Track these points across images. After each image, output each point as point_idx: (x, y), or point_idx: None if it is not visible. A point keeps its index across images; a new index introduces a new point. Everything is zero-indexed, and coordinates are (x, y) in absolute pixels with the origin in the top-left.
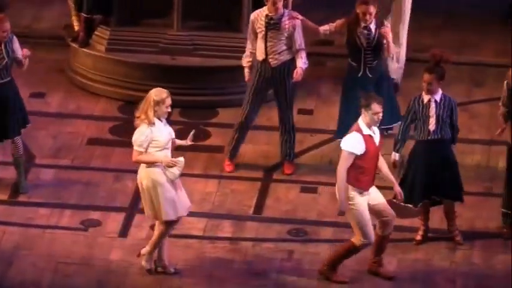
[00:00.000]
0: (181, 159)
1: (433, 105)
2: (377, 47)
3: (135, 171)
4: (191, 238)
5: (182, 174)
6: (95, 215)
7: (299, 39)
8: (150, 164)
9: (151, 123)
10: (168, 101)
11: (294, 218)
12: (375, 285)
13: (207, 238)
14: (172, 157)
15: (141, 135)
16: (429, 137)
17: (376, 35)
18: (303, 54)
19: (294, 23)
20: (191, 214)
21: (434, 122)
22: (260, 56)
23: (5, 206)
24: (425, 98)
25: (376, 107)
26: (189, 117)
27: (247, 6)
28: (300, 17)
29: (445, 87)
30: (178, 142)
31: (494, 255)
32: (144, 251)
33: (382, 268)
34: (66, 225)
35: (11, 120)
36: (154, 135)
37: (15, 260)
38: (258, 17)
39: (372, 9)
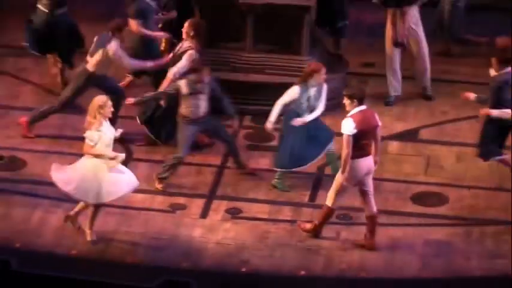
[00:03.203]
0: (122, 154)
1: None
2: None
3: (214, 165)
4: (258, 220)
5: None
6: (181, 200)
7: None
8: (99, 156)
9: (100, 125)
10: (109, 103)
11: (341, 205)
12: (405, 261)
13: (271, 220)
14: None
15: (93, 133)
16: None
17: (180, 50)
18: None
19: None
20: (258, 201)
21: None
22: None
23: None
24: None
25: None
26: (259, 122)
27: (305, 33)
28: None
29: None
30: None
31: (503, 239)
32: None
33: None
34: (158, 208)
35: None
36: (103, 133)
37: (116, 236)
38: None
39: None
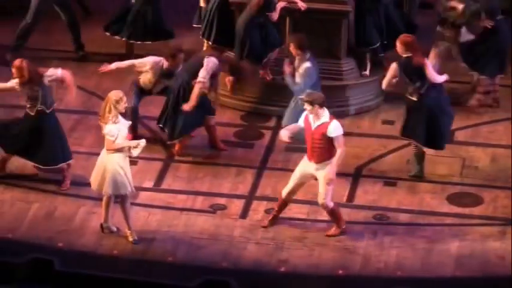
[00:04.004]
0: (143, 140)
1: None
2: None
3: (253, 167)
4: (296, 220)
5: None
6: (221, 200)
7: None
8: (122, 149)
9: (117, 118)
10: (125, 99)
11: (378, 205)
12: (440, 261)
13: (310, 220)
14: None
15: (112, 128)
16: None
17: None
18: None
19: None
20: (297, 201)
21: None
22: None
23: (150, 192)
24: None
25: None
26: None
27: (344, 38)
28: None
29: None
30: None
31: None
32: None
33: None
34: (198, 208)
35: None
36: (121, 126)
37: (158, 236)
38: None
39: None
